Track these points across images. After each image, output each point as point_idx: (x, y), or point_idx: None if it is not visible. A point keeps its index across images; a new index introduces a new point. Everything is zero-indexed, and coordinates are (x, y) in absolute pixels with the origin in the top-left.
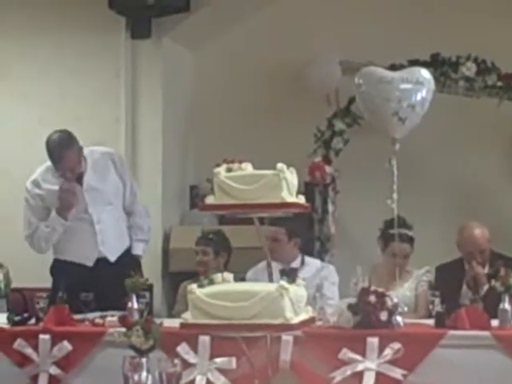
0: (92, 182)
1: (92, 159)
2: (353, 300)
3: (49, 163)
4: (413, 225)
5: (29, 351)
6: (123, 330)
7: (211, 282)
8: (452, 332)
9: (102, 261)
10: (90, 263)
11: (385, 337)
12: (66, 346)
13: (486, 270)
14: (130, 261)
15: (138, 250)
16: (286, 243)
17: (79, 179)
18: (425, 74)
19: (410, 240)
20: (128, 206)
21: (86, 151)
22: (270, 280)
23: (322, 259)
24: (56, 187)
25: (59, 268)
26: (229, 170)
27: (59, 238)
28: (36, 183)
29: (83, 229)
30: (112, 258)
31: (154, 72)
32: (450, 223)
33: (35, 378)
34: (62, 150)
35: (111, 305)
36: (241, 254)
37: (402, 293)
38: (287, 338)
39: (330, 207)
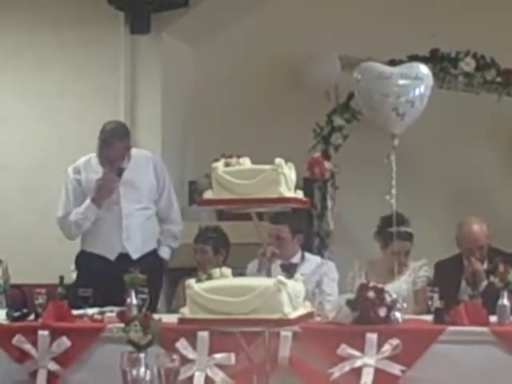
0: (130, 178)
1: (136, 158)
2: (351, 296)
3: (92, 155)
4: (409, 219)
5: (28, 347)
6: (122, 325)
7: (209, 277)
8: (451, 328)
9: (124, 257)
10: (112, 257)
11: (383, 333)
12: (65, 341)
13: (485, 266)
14: (154, 262)
15: (165, 253)
16: (290, 240)
17: (119, 173)
18: (423, 69)
19: (410, 237)
20: (163, 211)
21: (133, 151)
22: (269, 275)
23: (322, 255)
24: (95, 176)
25: (83, 260)
26: (227, 164)
27: (89, 227)
28: (77, 170)
29: (111, 222)
30: (134, 256)
31: (154, 67)
32: (449, 219)
33: (34, 373)
34: (113, 138)
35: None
36: (239, 249)
37: (399, 285)
38: (286, 333)
39: (329, 203)
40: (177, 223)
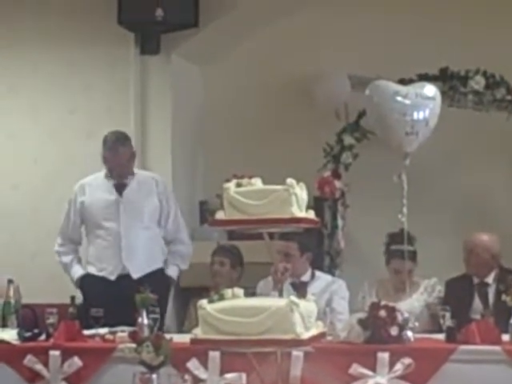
0: (131, 196)
1: (139, 178)
2: (363, 315)
3: (98, 173)
4: (416, 237)
5: (39, 367)
6: (133, 345)
7: (221, 298)
8: (463, 347)
9: (125, 277)
10: (112, 277)
11: (395, 352)
12: (77, 361)
13: (491, 281)
14: (159, 281)
15: (172, 271)
16: (299, 258)
17: (121, 189)
18: (432, 88)
19: (412, 255)
20: (171, 234)
21: (136, 171)
22: (281, 295)
23: (332, 274)
24: (100, 193)
25: (85, 280)
26: (238, 185)
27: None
28: (82, 188)
29: (110, 241)
30: (135, 276)
31: (163, 88)
32: (459, 237)
33: None
34: (116, 143)
35: (126, 321)
36: (251, 269)
37: (411, 303)
38: (298, 353)
39: (340, 222)
40: (186, 244)
